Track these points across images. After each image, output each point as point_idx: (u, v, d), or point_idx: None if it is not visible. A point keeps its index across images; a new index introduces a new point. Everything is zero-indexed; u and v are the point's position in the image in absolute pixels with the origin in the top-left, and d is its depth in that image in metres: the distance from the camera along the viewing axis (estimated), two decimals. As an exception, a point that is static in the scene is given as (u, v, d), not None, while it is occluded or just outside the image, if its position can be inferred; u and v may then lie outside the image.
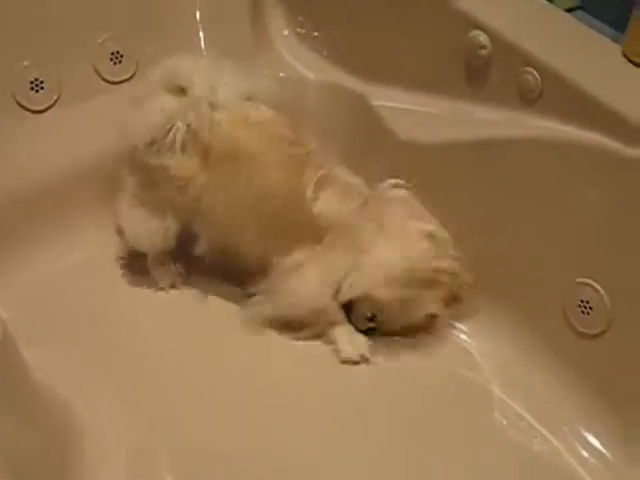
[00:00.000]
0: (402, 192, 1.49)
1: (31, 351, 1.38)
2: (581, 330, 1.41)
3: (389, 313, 1.49)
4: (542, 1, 1.52)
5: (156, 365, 1.48)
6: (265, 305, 1.51)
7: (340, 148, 1.62)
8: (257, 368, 1.50)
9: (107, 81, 1.71)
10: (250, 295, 1.52)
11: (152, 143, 1.43)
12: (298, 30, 1.82)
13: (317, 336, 1.53)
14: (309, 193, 1.44)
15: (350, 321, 1.52)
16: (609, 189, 1.34)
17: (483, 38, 1.46)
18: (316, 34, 1.79)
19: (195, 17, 1.76)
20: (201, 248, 1.51)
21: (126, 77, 1.73)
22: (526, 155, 1.43)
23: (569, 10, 1.51)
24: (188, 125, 1.42)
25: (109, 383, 1.44)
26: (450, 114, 1.55)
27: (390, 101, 1.63)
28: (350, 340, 1.52)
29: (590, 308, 1.39)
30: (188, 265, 1.61)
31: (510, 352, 1.51)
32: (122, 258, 1.63)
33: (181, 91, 1.44)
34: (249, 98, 1.48)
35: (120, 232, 1.58)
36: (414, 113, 1.60)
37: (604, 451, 1.38)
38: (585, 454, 1.38)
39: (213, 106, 1.43)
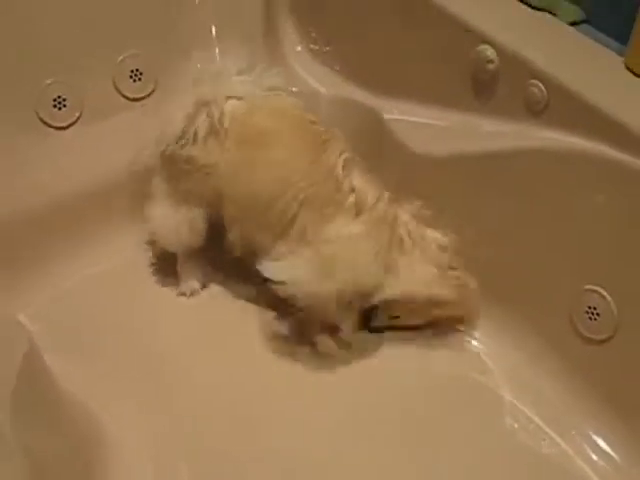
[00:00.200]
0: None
1: (56, 361, 1.38)
2: (588, 336, 1.40)
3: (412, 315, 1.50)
4: (547, 15, 1.51)
5: (179, 374, 1.48)
6: (287, 267, 1.44)
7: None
8: (277, 373, 1.49)
9: (127, 98, 1.72)
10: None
11: (180, 137, 1.44)
12: (310, 46, 1.82)
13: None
14: (339, 170, 1.41)
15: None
16: (614, 198, 1.33)
17: (490, 52, 1.45)
18: (328, 49, 1.79)
19: (211, 34, 1.76)
20: (231, 237, 1.49)
21: (145, 94, 1.74)
22: (533, 166, 1.42)
23: (574, 24, 1.50)
24: (209, 116, 1.42)
25: (132, 392, 1.44)
26: (459, 127, 1.55)
27: (401, 114, 1.63)
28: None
29: (597, 314, 1.38)
30: (214, 269, 1.62)
31: (520, 357, 1.50)
32: (143, 269, 1.63)
33: (207, 86, 1.45)
34: (271, 89, 1.47)
35: (152, 234, 1.58)
36: (424, 126, 1.59)
37: (612, 454, 1.37)
38: (594, 457, 1.37)
39: (234, 96, 1.44)
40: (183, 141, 1.44)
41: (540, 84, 1.39)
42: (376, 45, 1.69)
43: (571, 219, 1.40)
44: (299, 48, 1.82)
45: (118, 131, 1.67)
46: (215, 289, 1.63)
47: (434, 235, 1.47)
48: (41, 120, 1.64)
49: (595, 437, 1.39)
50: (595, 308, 1.38)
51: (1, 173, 1.55)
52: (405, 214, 1.45)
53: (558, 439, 1.40)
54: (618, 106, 1.31)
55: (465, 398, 1.48)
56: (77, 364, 1.44)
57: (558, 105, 1.38)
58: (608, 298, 1.36)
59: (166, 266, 1.63)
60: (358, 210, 1.41)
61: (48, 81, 1.63)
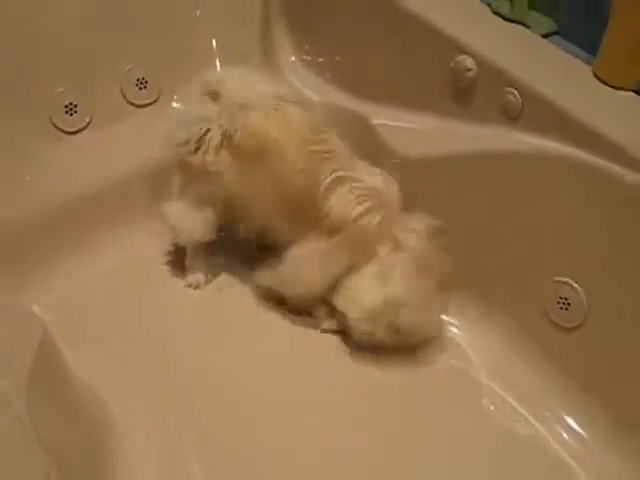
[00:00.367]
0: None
1: (69, 350, 1.42)
2: (560, 324, 1.42)
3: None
4: (521, 27, 1.52)
5: (188, 365, 1.48)
6: (267, 277, 1.53)
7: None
8: (282, 367, 1.51)
9: (133, 105, 1.73)
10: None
11: (192, 144, 1.46)
12: (304, 57, 1.82)
13: (299, 312, 1.57)
14: (321, 191, 1.43)
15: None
16: (585, 197, 1.34)
17: (469, 62, 1.46)
18: (320, 60, 1.79)
19: (212, 47, 1.77)
20: (243, 232, 1.57)
21: (150, 101, 1.75)
22: (509, 167, 1.43)
23: (546, 35, 1.50)
24: (222, 126, 1.44)
25: (142, 381, 1.44)
26: (440, 131, 1.55)
27: (387, 120, 1.63)
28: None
29: (568, 304, 1.40)
30: (221, 263, 1.65)
31: (497, 344, 1.51)
32: (152, 264, 1.64)
33: (216, 95, 1.46)
34: (278, 98, 1.48)
35: (171, 228, 1.59)
36: (408, 130, 1.60)
37: (583, 433, 1.39)
38: (565, 436, 1.40)
39: (244, 107, 1.44)
40: (193, 147, 1.46)
41: (515, 91, 1.40)
42: (364, 57, 1.69)
43: (545, 217, 1.41)
44: (293, 59, 1.82)
45: (125, 135, 1.68)
46: (222, 281, 1.64)
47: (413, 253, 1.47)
48: (54, 125, 1.65)
49: (566, 418, 1.41)
50: (566, 298, 1.40)
51: (18, 174, 1.58)
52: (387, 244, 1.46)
53: (532, 420, 1.42)
54: (587, 112, 1.33)
55: (445, 383, 1.48)
56: (90, 353, 1.45)
57: (532, 111, 1.39)
58: (578, 289, 1.38)
59: (174, 261, 1.65)
60: (332, 230, 1.44)
61: (60, 89, 1.65)
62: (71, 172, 1.63)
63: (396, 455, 1.38)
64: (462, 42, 1.48)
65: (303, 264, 1.48)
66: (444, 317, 1.55)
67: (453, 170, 1.51)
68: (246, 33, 1.81)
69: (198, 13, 1.77)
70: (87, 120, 1.68)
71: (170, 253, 1.66)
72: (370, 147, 1.55)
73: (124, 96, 1.72)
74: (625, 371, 1.34)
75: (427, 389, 1.48)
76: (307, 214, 1.45)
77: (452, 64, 1.49)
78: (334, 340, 1.54)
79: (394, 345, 1.48)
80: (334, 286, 1.49)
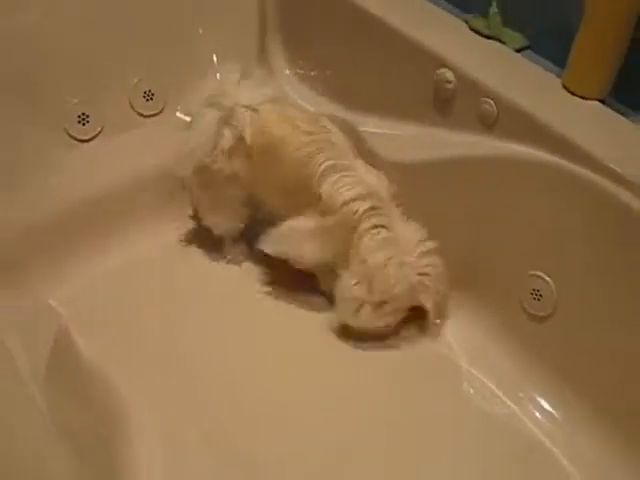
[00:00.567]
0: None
1: (84, 342, 1.42)
2: (533, 313, 1.44)
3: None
4: (496, 43, 1.53)
5: (202, 356, 1.48)
6: (275, 245, 1.52)
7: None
8: (290, 356, 1.50)
9: (141, 115, 1.74)
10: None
11: (210, 152, 1.49)
12: (298, 71, 1.83)
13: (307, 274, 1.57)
14: (316, 177, 1.44)
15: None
16: (555, 198, 1.36)
17: (449, 74, 1.47)
18: (313, 74, 1.81)
19: (213, 61, 1.77)
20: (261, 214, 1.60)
21: (157, 111, 1.76)
22: (486, 171, 1.44)
23: (519, 50, 1.51)
24: (233, 128, 1.47)
25: (152, 369, 1.44)
26: (423, 138, 1.56)
27: (374, 128, 1.64)
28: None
29: (540, 295, 1.42)
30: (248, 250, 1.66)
31: (476, 332, 1.52)
32: (163, 262, 1.65)
33: (221, 103, 1.49)
34: (275, 100, 1.52)
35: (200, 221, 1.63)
36: (392, 137, 1.61)
37: (554, 413, 1.41)
38: (539, 416, 1.41)
39: (248, 109, 1.48)
40: (214, 154, 1.49)
41: (491, 101, 1.41)
42: (353, 70, 1.69)
43: (519, 216, 1.42)
44: (288, 72, 1.83)
45: (134, 143, 1.69)
46: (235, 273, 1.64)
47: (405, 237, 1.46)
48: (68, 134, 1.66)
49: (540, 399, 1.42)
50: (538, 290, 1.41)
51: (35, 179, 1.59)
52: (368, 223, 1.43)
53: (508, 402, 1.43)
54: (557, 120, 1.34)
55: (428, 368, 1.49)
56: (102, 344, 1.45)
57: (507, 119, 1.40)
58: (550, 282, 1.40)
59: (179, 258, 1.65)
60: (322, 212, 1.44)
61: (74, 101, 1.66)
62: (84, 177, 1.64)
63: (378, 434, 1.39)
64: (442, 56, 1.49)
65: (295, 231, 1.48)
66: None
67: (435, 173, 1.52)
68: (244, 49, 1.81)
69: (200, 31, 1.78)
70: (98, 129, 1.69)
71: (175, 250, 1.66)
72: (359, 153, 1.54)
73: (132, 107, 1.73)
74: (592, 356, 1.36)
75: (410, 374, 1.49)
76: (305, 201, 1.46)
77: (433, 77, 1.50)
78: (334, 337, 1.53)
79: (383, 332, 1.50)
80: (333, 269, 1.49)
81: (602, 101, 1.39)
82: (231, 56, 1.73)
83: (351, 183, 1.44)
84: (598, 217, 1.31)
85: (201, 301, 1.59)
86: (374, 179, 1.47)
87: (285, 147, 1.47)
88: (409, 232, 1.47)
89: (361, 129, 1.65)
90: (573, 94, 1.40)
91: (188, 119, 1.57)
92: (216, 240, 1.65)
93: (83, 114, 1.67)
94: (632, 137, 1.33)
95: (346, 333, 1.52)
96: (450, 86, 1.48)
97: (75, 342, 1.42)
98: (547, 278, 1.40)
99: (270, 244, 1.51)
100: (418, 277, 1.45)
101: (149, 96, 1.75)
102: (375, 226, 1.44)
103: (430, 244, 1.47)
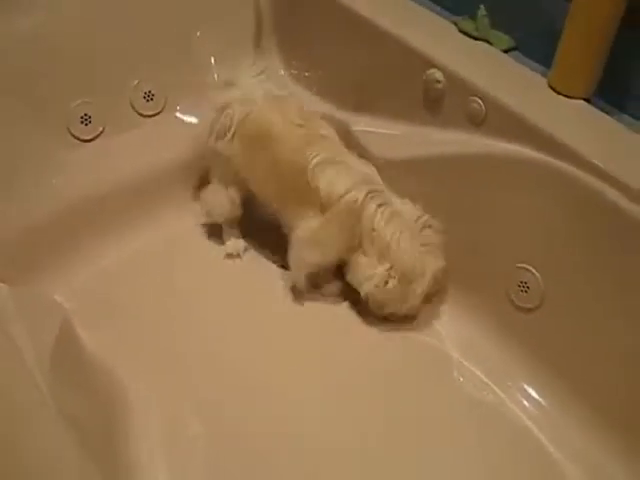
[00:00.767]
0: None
1: (87, 335, 1.42)
2: (521, 305, 1.43)
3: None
4: (484, 44, 1.52)
5: (201, 346, 1.47)
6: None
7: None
8: (294, 343, 1.50)
9: (141, 115, 1.72)
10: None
11: (214, 134, 1.53)
12: (292, 72, 1.82)
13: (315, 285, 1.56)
14: (310, 167, 1.44)
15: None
16: (541, 194, 1.35)
17: (438, 75, 1.46)
18: (307, 74, 1.79)
19: (210, 63, 1.75)
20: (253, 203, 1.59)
21: (157, 111, 1.73)
22: (475, 167, 1.43)
23: (506, 51, 1.50)
24: (232, 118, 1.49)
25: (153, 359, 1.44)
26: (413, 136, 1.55)
27: (366, 127, 1.63)
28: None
29: (527, 287, 1.41)
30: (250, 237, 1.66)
31: (466, 324, 1.52)
32: (161, 256, 1.63)
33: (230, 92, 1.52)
34: (278, 95, 1.53)
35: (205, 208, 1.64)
36: (384, 136, 1.60)
37: (541, 401, 1.41)
38: (526, 404, 1.41)
39: (250, 101, 1.50)
40: (216, 137, 1.52)
41: (479, 100, 1.40)
42: (345, 71, 1.68)
43: (507, 211, 1.42)
44: (282, 73, 1.81)
45: (134, 142, 1.68)
46: (238, 263, 1.64)
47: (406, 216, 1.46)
48: (71, 134, 1.64)
49: (527, 387, 1.42)
50: (526, 282, 1.41)
51: (40, 177, 1.57)
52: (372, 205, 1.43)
53: (497, 390, 1.42)
54: (543, 118, 1.33)
55: (419, 358, 1.49)
56: (104, 336, 1.45)
57: (494, 118, 1.39)
58: (536, 274, 1.39)
59: (179, 253, 1.64)
60: (323, 206, 1.44)
61: (76, 102, 1.63)
62: (87, 175, 1.62)
63: (371, 420, 1.39)
64: (432, 57, 1.48)
65: (304, 245, 1.48)
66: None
67: (425, 171, 1.51)
68: (241, 50, 1.79)
69: (198, 34, 1.76)
70: (100, 129, 1.67)
71: (176, 246, 1.65)
72: (351, 151, 1.53)
73: (133, 107, 1.71)
74: (578, 346, 1.36)
75: (403, 364, 1.48)
76: (301, 193, 1.46)
77: (423, 77, 1.49)
78: (330, 327, 1.54)
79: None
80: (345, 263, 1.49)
81: (587, 100, 1.39)
82: (228, 57, 1.72)
83: (345, 174, 1.44)
84: (584, 212, 1.30)
85: (203, 295, 1.58)
86: (365, 168, 1.48)
87: (276, 137, 1.47)
88: (408, 208, 1.47)
89: (353, 128, 1.64)
90: (559, 93, 1.39)
91: (187, 119, 1.60)
92: (217, 235, 1.65)
93: (85, 115, 1.64)
94: (616, 135, 1.33)
95: (343, 324, 1.53)
96: (439, 86, 1.47)
97: (79, 335, 1.42)
98: (534, 271, 1.40)
99: (295, 264, 1.52)
100: (424, 248, 1.45)
101: (149, 97, 1.72)
102: (380, 205, 1.43)
103: (428, 217, 1.47)
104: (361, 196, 1.42)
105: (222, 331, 1.51)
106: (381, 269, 1.43)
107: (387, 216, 1.43)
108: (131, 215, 1.64)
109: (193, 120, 1.74)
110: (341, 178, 1.44)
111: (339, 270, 1.54)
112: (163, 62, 1.72)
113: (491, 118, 1.40)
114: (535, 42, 1.48)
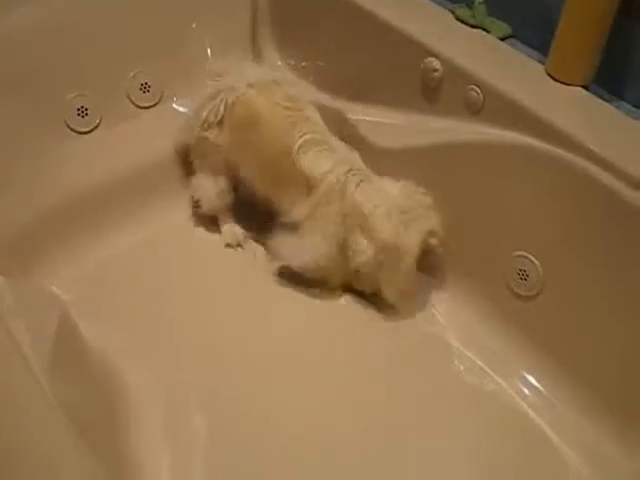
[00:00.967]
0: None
1: (86, 326, 1.39)
2: (520, 293, 1.43)
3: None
4: (481, 32, 1.51)
5: (199, 335, 1.47)
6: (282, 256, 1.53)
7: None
8: (295, 336, 1.50)
9: (138, 107, 1.72)
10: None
11: (203, 122, 1.52)
12: (289, 61, 1.81)
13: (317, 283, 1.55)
14: (295, 148, 1.44)
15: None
16: (540, 181, 1.34)
17: (436, 63, 1.46)
18: (304, 64, 1.78)
19: (207, 54, 1.76)
20: (244, 191, 1.60)
21: (153, 103, 1.73)
22: (473, 155, 1.43)
23: (503, 38, 1.49)
24: (222, 101, 1.49)
25: (151, 350, 1.44)
26: (411, 124, 1.54)
27: (364, 116, 1.62)
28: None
29: (527, 275, 1.40)
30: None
31: (466, 312, 1.51)
32: (159, 245, 1.63)
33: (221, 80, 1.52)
34: (273, 81, 1.52)
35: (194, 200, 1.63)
36: (382, 124, 1.59)
37: (540, 388, 1.40)
38: (526, 391, 1.41)
39: (238, 88, 1.49)
40: (205, 125, 1.52)
41: (477, 88, 1.40)
42: (343, 60, 1.68)
43: (505, 199, 1.41)
44: (279, 63, 1.81)
45: (131, 133, 1.68)
46: (235, 253, 1.63)
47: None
48: (68, 126, 1.64)
49: (526, 375, 1.42)
50: (525, 270, 1.40)
51: (38, 168, 1.57)
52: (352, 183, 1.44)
53: (497, 378, 1.42)
54: (541, 105, 1.32)
55: (419, 346, 1.48)
56: (103, 327, 1.44)
57: (492, 105, 1.39)
58: (536, 262, 1.38)
59: (177, 242, 1.64)
60: (309, 187, 1.45)
61: (73, 94, 1.63)
62: (84, 166, 1.62)
63: (372, 409, 1.38)
64: (429, 46, 1.47)
65: (307, 244, 1.48)
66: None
67: (421, 159, 1.51)
68: (237, 41, 1.80)
69: (194, 25, 1.75)
70: (97, 121, 1.67)
71: (174, 237, 1.65)
72: (349, 140, 1.54)
73: (130, 99, 1.71)
74: (577, 334, 1.36)
75: (404, 353, 1.48)
76: (289, 175, 1.46)
77: (421, 65, 1.48)
78: (326, 313, 1.53)
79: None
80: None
81: (585, 87, 1.38)
82: (224, 48, 1.74)
83: (327, 155, 1.46)
84: (582, 200, 1.29)
85: (201, 285, 1.57)
86: (347, 151, 1.49)
87: (263, 120, 1.47)
88: (388, 182, 1.47)
89: (350, 116, 1.63)
90: (556, 81, 1.39)
91: (183, 110, 1.59)
92: (216, 224, 1.65)
93: (82, 107, 1.64)
94: (614, 122, 1.32)
95: (343, 314, 1.53)
96: (437, 74, 1.47)
97: (77, 327, 1.39)
98: (533, 259, 1.39)
99: (294, 258, 1.51)
100: (408, 215, 1.44)
101: (146, 88, 1.71)
102: (359, 182, 1.44)
103: (409, 184, 1.47)
104: (341, 173, 1.44)
105: (221, 321, 1.51)
106: (365, 244, 1.44)
107: (366, 191, 1.44)
108: (129, 206, 1.63)
109: (190, 111, 1.71)
110: (323, 159, 1.45)
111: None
112: (159, 54, 1.71)
113: (489, 106, 1.39)
114: (532, 29, 1.47)
